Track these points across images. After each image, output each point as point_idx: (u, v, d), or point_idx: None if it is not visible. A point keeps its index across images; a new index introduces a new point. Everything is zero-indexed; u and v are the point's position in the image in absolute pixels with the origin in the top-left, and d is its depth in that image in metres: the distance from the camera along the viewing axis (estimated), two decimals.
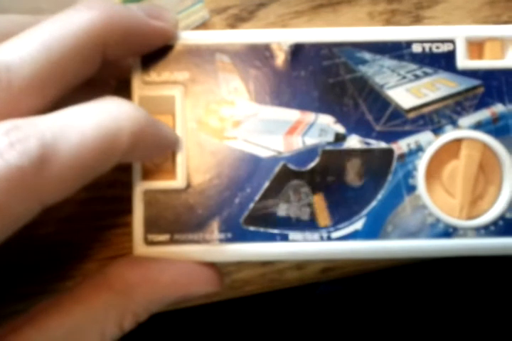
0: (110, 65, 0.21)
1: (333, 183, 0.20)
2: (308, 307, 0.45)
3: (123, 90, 0.21)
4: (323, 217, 0.20)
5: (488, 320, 0.43)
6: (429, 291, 0.44)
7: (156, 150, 0.19)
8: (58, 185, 0.17)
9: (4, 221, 0.16)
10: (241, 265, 0.25)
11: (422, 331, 0.44)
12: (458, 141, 0.20)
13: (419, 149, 0.20)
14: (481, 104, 0.20)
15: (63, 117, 0.17)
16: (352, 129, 0.20)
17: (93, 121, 0.17)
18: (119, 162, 0.18)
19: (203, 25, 0.24)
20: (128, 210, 0.23)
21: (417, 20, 0.25)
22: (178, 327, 0.43)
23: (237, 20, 0.25)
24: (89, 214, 0.24)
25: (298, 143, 0.20)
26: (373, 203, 0.20)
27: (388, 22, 0.25)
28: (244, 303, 0.43)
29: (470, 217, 0.20)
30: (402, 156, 0.20)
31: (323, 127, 0.20)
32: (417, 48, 0.20)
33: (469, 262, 0.42)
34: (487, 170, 0.20)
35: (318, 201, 0.20)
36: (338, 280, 0.45)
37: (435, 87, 0.20)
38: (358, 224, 0.20)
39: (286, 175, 0.20)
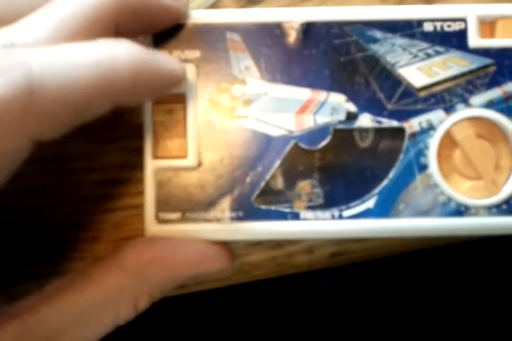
0: None
1: (345, 162, 0.20)
2: (311, 302, 0.45)
3: None
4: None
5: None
6: (438, 288, 0.44)
7: (158, 87, 0.19)
8: (49, 120, 0.16)
9: None
10: (251, 248, 0.25)
11: (427, 330, 0.43)
12: (448, 133, 0.20)
13: (431, 128, 0.20)
14: (493, 82, 0.20)
15: (53, 50, 0.16)
16: (363, 108, 0.20)
17: (86, 55, 0.17)
18: (125, 102, 0.18)
19: (215, 7, 0.24)
20: (139, 192, 0.23)
21: (428, 2, 0.25)
22: (183, 312, 0.43)
23: (248, 2, 0.25)
24: (99, 195, 0.24)
25: (309, 121, 0.20)
26: (385, 182, 0.20)
27: (400, 4, 0.25)
28: (247, 295, 0.43)
29: (505, 182, 0.20)
30: (413, 135, 0.20)
31: (334, 105, 0.20)
32: (428, 27, 0.20)
33: (483, 256, 0.42)
34: (486, 135, 0.20)
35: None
36: (342, 276, 0.45)
37: (447, 66, 0.20)
38: (370, 203, 0.20)
39: (298, 154, 0.20)
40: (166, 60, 0.19)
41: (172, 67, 0.19)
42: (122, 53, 0.17)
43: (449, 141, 0.20)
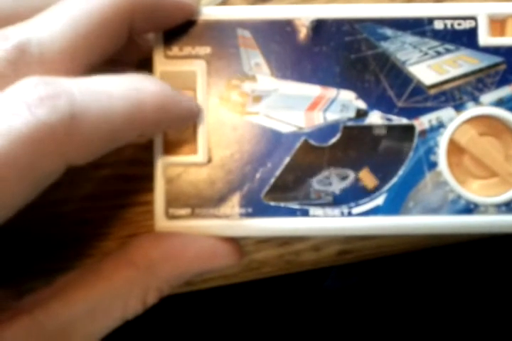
0: (133, 45, 0.21)
1: (354, 159, 0.20)
2: (313, 301, 0.45)
3: (144, 69, 0.21)
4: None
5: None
6: (444, 288, 0.44)
7: (178, 121, 0.19)
8: (85, 146, 0.17)
9: (31, 179, 0.16)
10: (259, 245, 0.25)
11: (431, 329, 0.43)
12: (452, 141, 0.20)
13: (441, 125, 0.20)
14: (503, 80, 0.20)
15: (91, 81, 0.17)
16: (373, 105, 0.20)
17: (120, 88, 0.17)
18: (148, 133, 0.19)
19: (224, 5, 0.24)
20: (148, 188, 0.23)
21: (438, 0, 0.25)
22: (191, 309, 0.43)
23: (257, 0, 0.25)
24: (109, 192, 0.24)
25: (319, 118, 0.20)
26: (394, 179, 0.20)
27: (408, 2, 0.25)
28: (249, 293, 0.43)
29: None
30: (423, 132, 0.20)
31: (344, 103, 0.20)
32: (438, 25, 0.20)
33: (491, 255, 0.42)
34: (489, 131, 0.20)
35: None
36: (345, 275, 0.45)
37: (457, 64, 0.20)
38: (379, 200, 0.20)
39: (307, 151, 0.20)
40: (185, 97, 0.20)
41: (190, 104, 0.20)
42: (149, 88, 0.18)
43: (455, 149, 0.20)
